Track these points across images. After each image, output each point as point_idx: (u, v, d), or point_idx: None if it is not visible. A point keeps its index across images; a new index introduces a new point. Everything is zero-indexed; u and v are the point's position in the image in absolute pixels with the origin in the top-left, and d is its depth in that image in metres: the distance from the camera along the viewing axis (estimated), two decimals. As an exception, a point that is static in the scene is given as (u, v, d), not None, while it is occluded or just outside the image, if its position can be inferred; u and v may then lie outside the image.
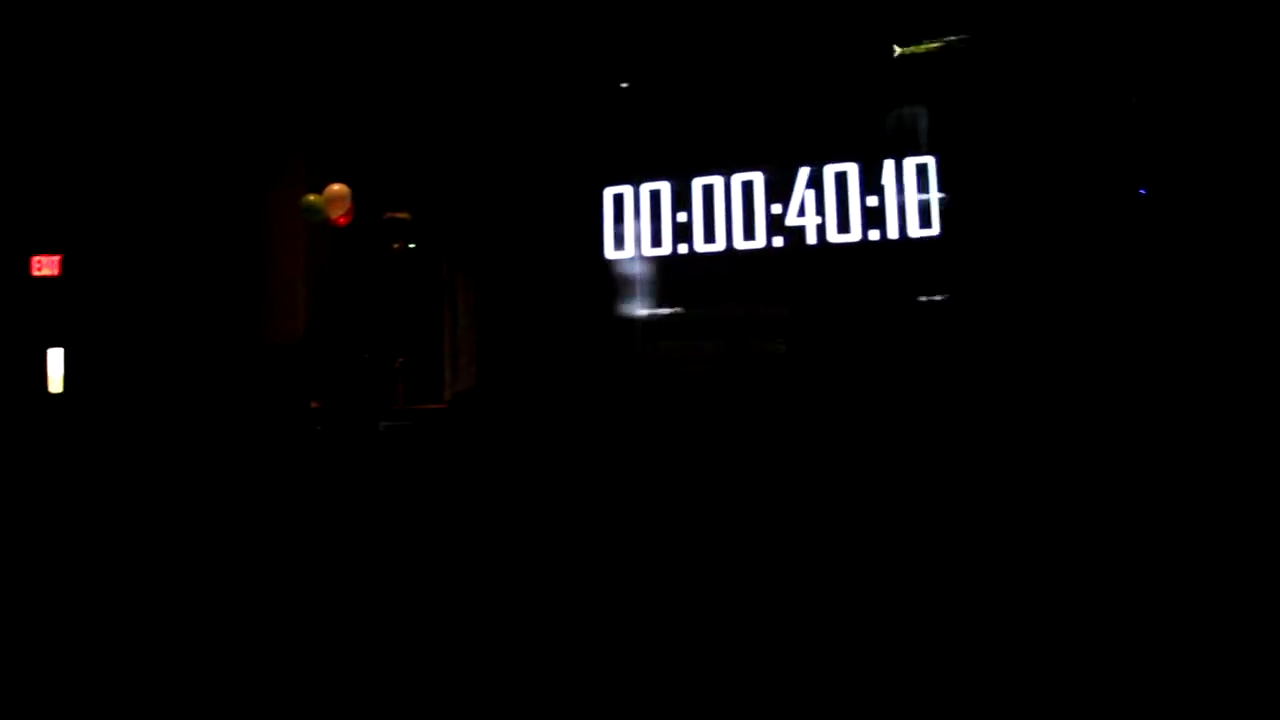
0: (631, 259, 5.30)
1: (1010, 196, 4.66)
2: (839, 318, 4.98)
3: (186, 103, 5.56)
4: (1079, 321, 4.40)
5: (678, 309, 5.26)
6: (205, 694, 2.08)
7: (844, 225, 4.96)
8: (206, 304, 5.54)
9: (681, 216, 5.22)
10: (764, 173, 5.09)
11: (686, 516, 3.41)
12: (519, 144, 5.48)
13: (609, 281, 5.31)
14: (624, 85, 5.44)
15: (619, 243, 5.33)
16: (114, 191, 5.54)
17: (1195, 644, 2.11)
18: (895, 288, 4.88)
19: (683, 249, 5.20)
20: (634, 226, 5.31)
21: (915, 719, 1.89)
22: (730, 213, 5.14)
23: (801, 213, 5.04)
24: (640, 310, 5.30)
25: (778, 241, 5.06)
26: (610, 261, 5.33)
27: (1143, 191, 4.62)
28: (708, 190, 5.19)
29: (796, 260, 5.04)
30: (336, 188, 5.26)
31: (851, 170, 4.96)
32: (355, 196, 5.32)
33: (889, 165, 4.89)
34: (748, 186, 5.12)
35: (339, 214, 5.31)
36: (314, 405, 5.13)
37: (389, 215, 5.44)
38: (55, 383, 5.39)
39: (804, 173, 5.03)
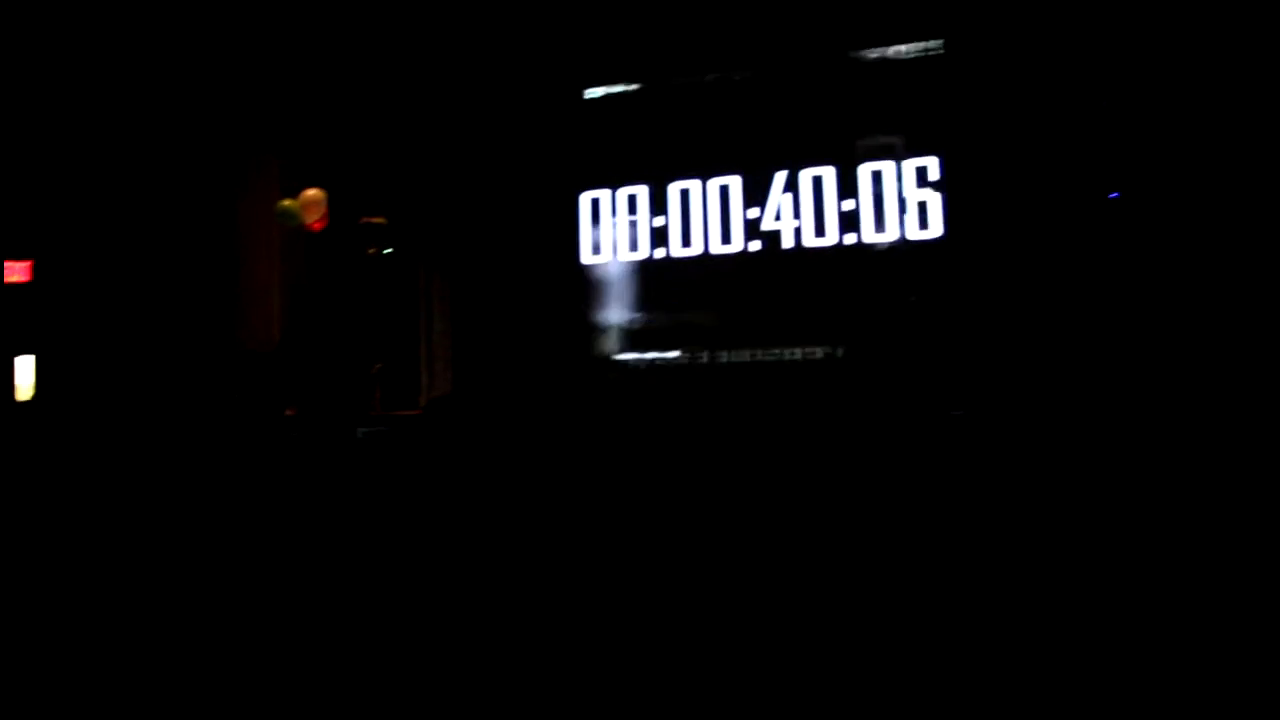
0: (608, 264, 5.29)
1: (980, 201, 4.67)
2: (814, 321, 4.98)
3: (160, 107, 5.51)
4: (1047, 327, 4.41)
5: (655, 314, 5.25)
6: (177, 704, 2.05)
7: (820, 229, 4.97)
8: (180, 310, 5.49)
9: (659, 221, 5.22)
10: (741, 177, 5.10)
11: (660, 522, 3.39)
12: (495, 148, 5.47)
13: (585, 286, 5.30)
14: (601, 90, 5.44)
15: (596, 248, 5.33)
16: (86, 196, 5.48)
17: (1185, 644, 2.11)
18: (871, 292, 4.89)
19: (660, 254, 5.20)
20: (611, 231, 5.30)
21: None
22: (707, 217, 5.14)
23: (778, 217, 5.04)
24: (617, 315, 5.28)
25: (754, 246, 5.07)
26: (587, 266, 5.31)
27: (1114, 195, 4.63)
28: (684, 194, 5.19)
29: (772, 264, 5.04)
30: (312, 192, 5.23)
31: (828, 174, 4.97)
32: (331, 201, 5.28)
33: (864, 170, 4.90)
34: (724, 190, 5.13)
35: (314, 219, 5.27)
36: (289, 412, 5.08)
37: (365, 220, 5.39)
38: (24, 391, 5.32)
39: (780, 176, 5.04)
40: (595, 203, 5.35)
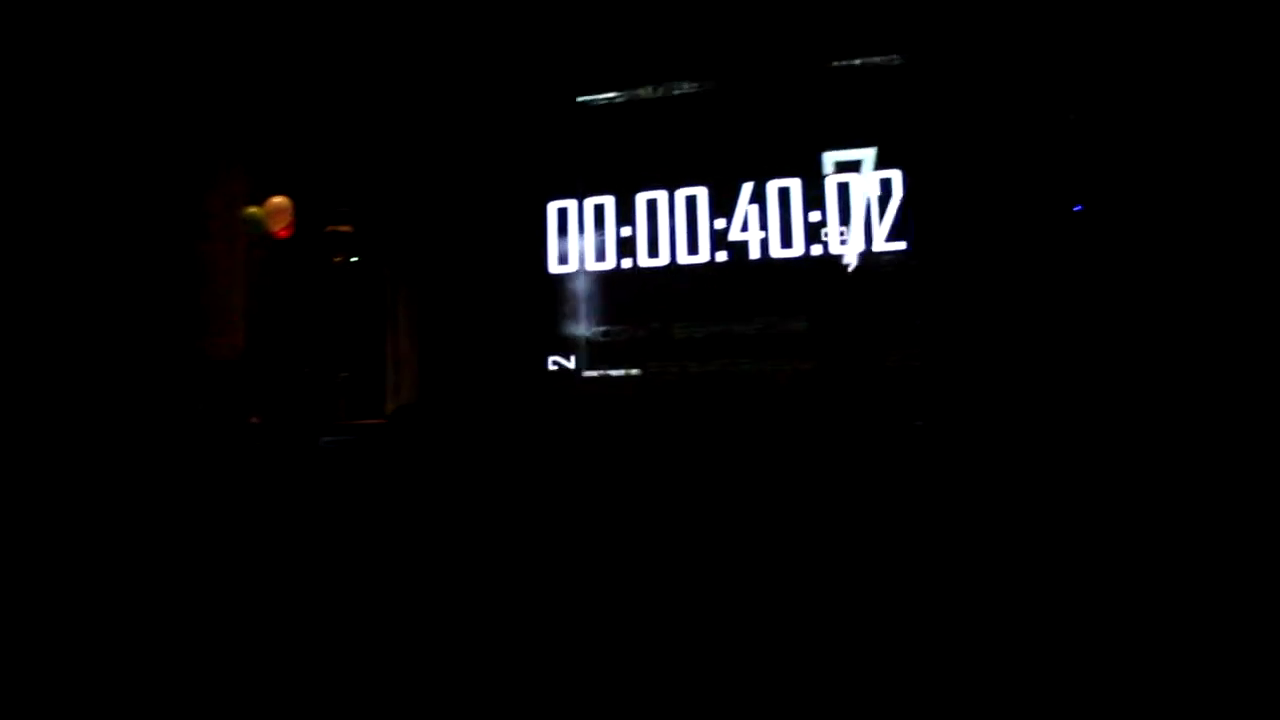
0: (575, 273, 5.29)
1: (945, 213, 4.72)
2: (780, 332, 5.00)
3: (125, 112, 5.44)
4: (1010, 338, 4.45)
5: (622, 324, 5.25)
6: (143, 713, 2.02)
7: (787, 240, 5.00)
8: (143, 318, 5.41)
9: (626, 231, 5.22)
10: (708, 187, 5.12)
11: (625, 531, 3.38)
12: (462, 158, 5.46)
13: (552, 296, 5.29)
14: (569, 100, 5.45)
15: (563, 257, 5.32)
16: (44, 200, 5.40)
17: (1178, 646, 2.12)
18: (837, 303, 4.92)
19: (626, 264, 5.21)
20: (578, 241, 5.30)
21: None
22: (674, 227, 5.15)
23: (745, 228, 5.07)
24: (584, 325, 5.28)
25: (721, 256, 5.09)
26: (553, 276, 5.31)
27: (1078, 208, 4.68)
28: (651, 205, 5.20)
29: (739, 275, 5.06)
30: (277, 200, 5.18)
31: (794, 185, 5.01)
32: (296, 209, 5.24)
33: (830, 181, 4.94)
34: (691, 201, 5.14)
35: (280, 227, 5.23)
36: (254, 421, 5.04)
37: (331, 228, 5.38)
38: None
39: (747, 187, 5.07)
40: (562, 212, 5.35)
